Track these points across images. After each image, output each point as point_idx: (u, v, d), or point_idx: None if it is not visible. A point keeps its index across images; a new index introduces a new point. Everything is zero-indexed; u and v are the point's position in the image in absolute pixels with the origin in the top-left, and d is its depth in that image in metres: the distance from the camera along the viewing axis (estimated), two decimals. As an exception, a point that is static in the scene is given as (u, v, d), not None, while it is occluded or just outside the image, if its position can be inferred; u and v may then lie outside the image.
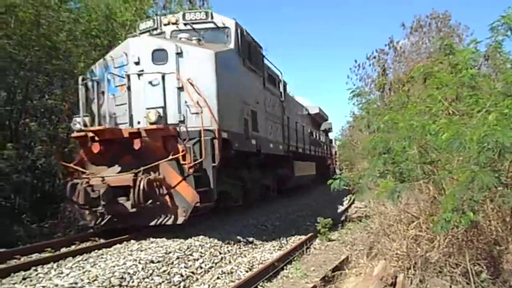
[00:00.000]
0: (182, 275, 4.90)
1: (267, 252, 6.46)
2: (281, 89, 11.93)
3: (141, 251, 5.55)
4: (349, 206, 12.76)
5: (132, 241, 6.10)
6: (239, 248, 6.51)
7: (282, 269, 5.59)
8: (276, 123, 10.99)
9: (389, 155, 4.24)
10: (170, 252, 5.44)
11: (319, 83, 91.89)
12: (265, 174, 10.84)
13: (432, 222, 4.00)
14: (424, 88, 5.15)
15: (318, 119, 20.46)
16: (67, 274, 4.58)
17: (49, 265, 4.97)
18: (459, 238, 4.13)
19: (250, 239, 7.08)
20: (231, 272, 5.20)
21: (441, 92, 4.24)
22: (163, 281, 4.64)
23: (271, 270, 5.30)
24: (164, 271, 4.89)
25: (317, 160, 17.87)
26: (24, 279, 4.52)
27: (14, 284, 4.38)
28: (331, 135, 27.00)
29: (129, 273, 4.57)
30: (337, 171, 26.11)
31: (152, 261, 5.00)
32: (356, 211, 11.64)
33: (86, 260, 5.18)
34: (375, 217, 6.05)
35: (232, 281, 4.86)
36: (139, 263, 4.88)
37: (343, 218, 10.04)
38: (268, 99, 10.30)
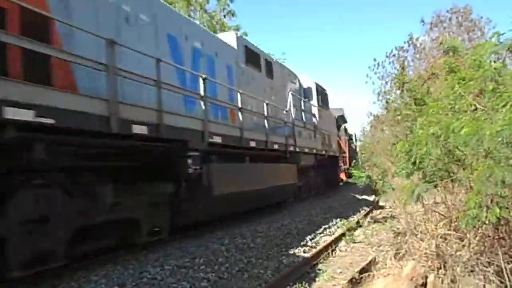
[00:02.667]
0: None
1: (292, 256, 6.43)
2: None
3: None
4: (374, 207, 12.64)
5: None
6: (265, 251, 6.51)
7: (308, 272, 5.56)
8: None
9: (412, 160, 4.17)
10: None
11: (337, 84, 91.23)
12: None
13: (458, 219, 3.91)
14: (446, 85, 5.04)
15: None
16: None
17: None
18: (490, 235, 4.02)
19: (276, 242, 7.08)
20: (258, 276, 5.21)
21: (465, 86, 4.15)
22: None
23: (298, 273, 5.29)
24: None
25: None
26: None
27: None
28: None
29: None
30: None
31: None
32: (381, 212, 11.49)
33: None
34: (401, 217, 5.95)
35: (260, 285, 4.87)
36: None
37: (368, 219, 9.92)
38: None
